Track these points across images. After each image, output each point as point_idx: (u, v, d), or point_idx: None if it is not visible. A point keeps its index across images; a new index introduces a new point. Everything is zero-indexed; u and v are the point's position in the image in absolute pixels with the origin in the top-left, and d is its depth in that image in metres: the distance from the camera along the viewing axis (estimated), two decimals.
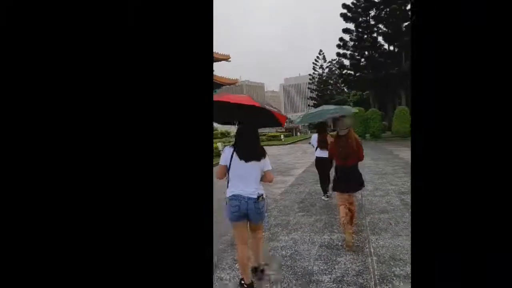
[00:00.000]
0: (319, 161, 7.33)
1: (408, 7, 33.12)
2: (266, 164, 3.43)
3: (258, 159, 3.36)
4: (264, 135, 44.00)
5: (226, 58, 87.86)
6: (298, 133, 53.67)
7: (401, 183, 8.63)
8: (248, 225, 3.47)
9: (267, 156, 3.48)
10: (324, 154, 6.91)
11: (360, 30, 36.32)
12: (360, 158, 4.69)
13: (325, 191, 7.43)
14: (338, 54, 37.93)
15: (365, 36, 36.11)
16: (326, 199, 7.32)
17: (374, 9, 35.71)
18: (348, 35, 37.66)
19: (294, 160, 16.99)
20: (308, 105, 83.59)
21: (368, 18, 36.38)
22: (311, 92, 76.15)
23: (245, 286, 3.43)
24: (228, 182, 3.41)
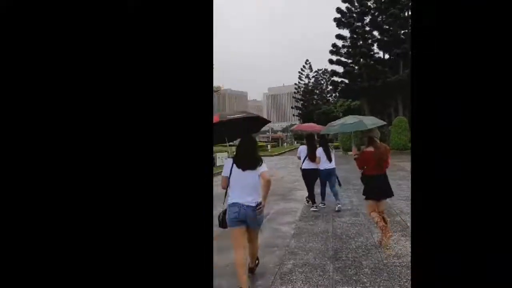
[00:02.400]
0: (307, 173, 7.46)
1: (407, 14, 31.20)
2: (261, 168, 3.54)
3: (254, 168, 3.50)
4: None
5: None
6: (285, 144, 50.99)
7: None
8: (246, 231, 3.59)
9: (263, 163, 3.60)
10: (312, 165, 7.34)
11: (355, 36, 34.02)
12: (388, 165, 4.79)
13: (314, 201, 7.43)
14: (330, 61, 35.51)
15: (360, 42, 33.86)
16: (315, 209, 7.26)
17: (369, 15, 33.62)
18: (341, 42, 35.42)
19: (290, 176, 14.16)
20: (293, 115, 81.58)
21: (363, 24, 34.23)
22: (296, 101, 74.35)
23: None
24: (227, 191, 3.67)
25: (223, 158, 19.80)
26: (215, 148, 31.30)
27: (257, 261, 4.04)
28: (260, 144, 39.21)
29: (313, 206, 7.32)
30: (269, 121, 5.51)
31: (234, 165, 3.53)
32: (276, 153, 31.68)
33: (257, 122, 4.64)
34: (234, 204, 3.47)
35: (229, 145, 4.92)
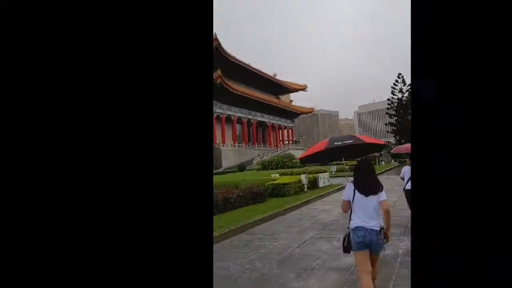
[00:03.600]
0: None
1: None
2: (381, 195, 3.46)
3: (376, 193, 3.44)
4: (341, 163, 39.16)
5: (302, 88, 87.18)
6: (382, 162, 47.44)
7: None
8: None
9: (383, 189, 3.52)
10: None
11: None
12: None
13: None
14: None
15: None
16: None
17: None
18: None
19: (402, 200, 12.20)
20: (387, 132, 76.97)
21: None
22: (390, 117, 69.95)
23: None
24: (351, 214, 3.56)
25: (325, 179, 18.41)
26: (314, 168, 30.02)
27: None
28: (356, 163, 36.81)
29: None
30: (384, 145, 5.60)
31: (357, 190, 3.48)
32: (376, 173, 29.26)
33: (366, 147, 4.62)
34: (359, 228, 3.43)
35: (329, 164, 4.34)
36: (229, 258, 6.10)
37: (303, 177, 16.13)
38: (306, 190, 15.98)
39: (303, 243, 7.01)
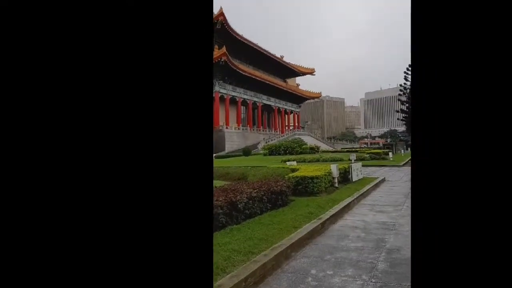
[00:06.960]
0: None
1: None
2: None
3: None
4: (355, 150, 34.65)
5: (310, 72, 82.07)
6: (401, 151, 42.81)
7: None
8: None
9: None
10: None
11: None
12: None
13: None
14: None
15: None
16: None
17: None
18: None
19: None
20: (398, 119, 72.34)
21: None
22: (402, 104, 65.54)
23: None
24: None
25: (358, 171, 13.94)
26: (329, 155, 25.55)
27: None
28: (377, 151, 32.24)
29: None
30: None
31: None
32: (403, 163, 24.69)
33: None
34: None
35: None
36: None
37: (334, 169, 11.62)
38: (337, 185, 11.55)
39: None
